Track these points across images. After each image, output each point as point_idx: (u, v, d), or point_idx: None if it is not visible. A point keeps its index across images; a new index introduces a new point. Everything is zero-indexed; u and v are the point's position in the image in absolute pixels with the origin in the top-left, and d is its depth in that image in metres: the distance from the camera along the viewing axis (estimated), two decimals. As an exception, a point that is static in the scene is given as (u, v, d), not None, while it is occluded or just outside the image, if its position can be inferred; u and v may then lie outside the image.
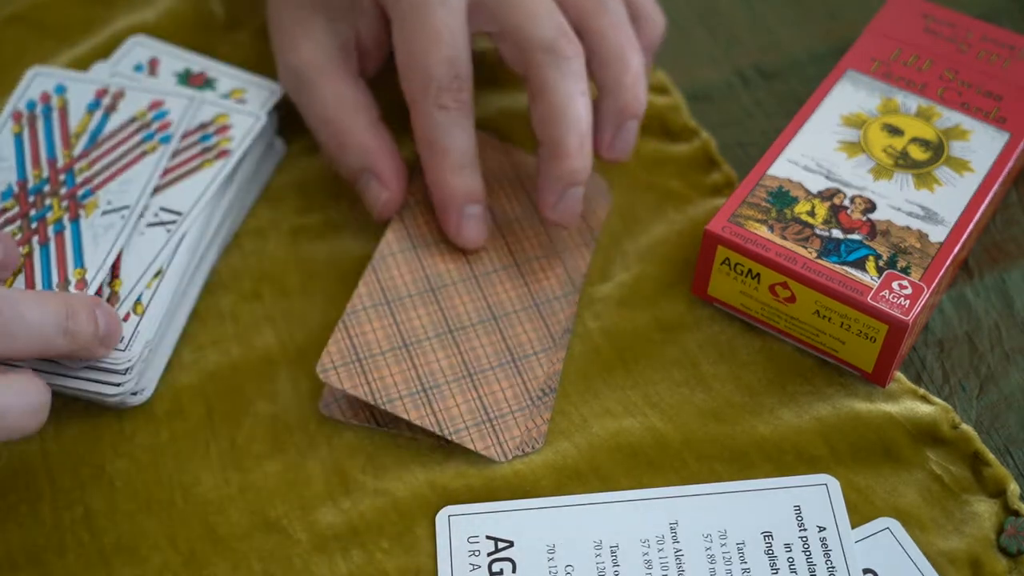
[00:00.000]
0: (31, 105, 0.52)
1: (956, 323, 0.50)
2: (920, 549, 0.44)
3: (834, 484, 0.45)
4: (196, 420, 0.48)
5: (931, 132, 0.51)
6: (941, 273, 0.47)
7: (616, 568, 0.44)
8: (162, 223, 0.49)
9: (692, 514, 0.45)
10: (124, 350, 0.46)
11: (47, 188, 0.50)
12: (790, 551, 0.44)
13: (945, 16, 0.56)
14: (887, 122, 0.51)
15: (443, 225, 0.51)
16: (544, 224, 0.52)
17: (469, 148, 0.50)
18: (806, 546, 0.44)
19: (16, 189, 0.50)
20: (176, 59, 0.55)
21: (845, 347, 0.47)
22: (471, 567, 0.44)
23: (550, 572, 0.44)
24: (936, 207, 0.49)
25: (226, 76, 0.55)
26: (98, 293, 0.47)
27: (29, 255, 0.48)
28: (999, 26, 0.56)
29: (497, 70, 0.56)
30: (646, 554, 0.44)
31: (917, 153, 0.50)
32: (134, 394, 0.47)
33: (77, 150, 0.51)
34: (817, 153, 0.50)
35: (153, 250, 0.48)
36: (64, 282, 0.47)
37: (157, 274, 0.48)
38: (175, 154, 0.51)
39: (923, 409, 0.47)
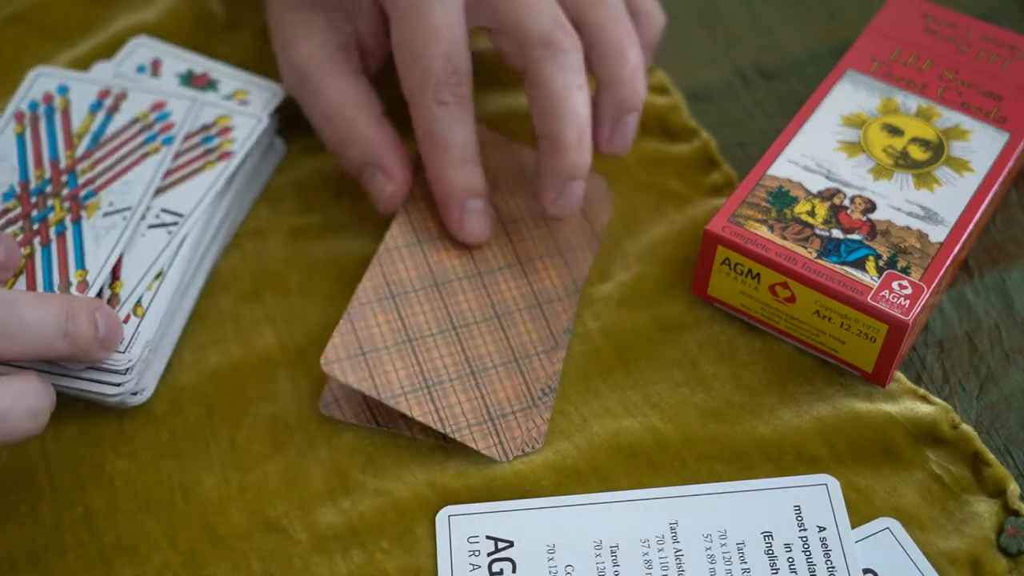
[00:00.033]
0: (33, 105, 0.52)
1: (956, 323, 0.50)
2: (920, 549, 0.44)
3: (834, 484, 0.45)
4: (196, 420, 0.48)
5: (931, 132, 0.51)
6: (941, 273, 0.47)
7: (616, 568, 0.44)
8: (163, 225, 0.49)
9: (692, 514, 0.45)
10: (124, 351, 0.46)
11: (49, 189, 0.50)
12: (790, 551, 0.44)
13: (945, 16, 0.56)
14: (887, 122, 0.51)
15: (445, 220, 0.51)
16: (546, 220, 0.52)
17: (469, 143, 0.50)
18: (806, 546, 0.44)
19: (18, 190, 0.50)
20: (179, 60, 0.55)
21: (845, 347, 0.47)
22: (471, 567, 0.44)
23: (550, 572, 0.44)
24: (936, 207, 0.49)
25: (228, 77, 0.55)
26: (99, 295, 0.47)
27: (31, 256, 0.48)
28: (999, 26, 0.56)
29: (497, 70, 0.56)
30: (646, 554, 0.44)
31: (917, 153, 0.50)
32: (134, 394, 0.47)
33: (79, 151, 0.51)
34: (817, 153, 0.50)
35: (154, 252, 0.48)
36: (65, 283, 0.47)
37: (158, 276, 0.48)
38: (177, 156, 0.51)
39: (923, 409, 0.47)
